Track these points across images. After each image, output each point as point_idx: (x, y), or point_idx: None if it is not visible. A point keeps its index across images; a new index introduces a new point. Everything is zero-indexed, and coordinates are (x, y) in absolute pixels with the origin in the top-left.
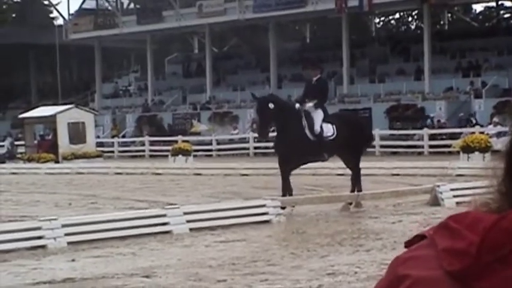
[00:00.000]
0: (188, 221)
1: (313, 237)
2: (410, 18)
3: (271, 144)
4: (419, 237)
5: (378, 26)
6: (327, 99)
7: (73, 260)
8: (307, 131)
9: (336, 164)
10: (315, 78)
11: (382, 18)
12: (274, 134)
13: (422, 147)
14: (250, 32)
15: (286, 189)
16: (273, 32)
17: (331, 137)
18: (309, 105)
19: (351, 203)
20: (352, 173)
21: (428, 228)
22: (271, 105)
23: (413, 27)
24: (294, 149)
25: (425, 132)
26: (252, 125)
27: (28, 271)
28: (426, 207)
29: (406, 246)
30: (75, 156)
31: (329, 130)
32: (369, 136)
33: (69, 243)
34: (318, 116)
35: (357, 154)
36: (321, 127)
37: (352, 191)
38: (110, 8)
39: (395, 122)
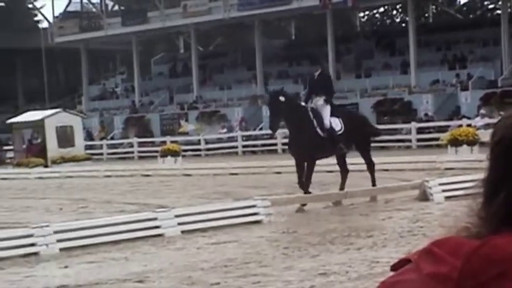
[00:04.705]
0: (179, 224)
1: (304, 236)
2: (394, 12)
3: (259, 142)
4: (405, 261)
5: (362, 20)
6: (334, 93)
7: (66, 267)
8: (318, 129)
9: (324, 161)
10: (316, 74)
11: (367, 13)
12: (287, 133)
13: (410, 141)
14: (235, 31)
15: (306, 187)
16: (258, 29)
17: (340, 132)
18: (319, 102)
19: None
20: (367, 168)
21: (413, 253)
22: (281, 98)
23: (398, 20)
24: (307, 148)
25: (413, 126)
26: (240, 123)
27: (22, 279)
28: (415, 202)
29: (392, 270)
30: (64, 160)
31: (337, 125)
32: (374, 129)
33: (61, 249)
34: (326, 111)
35: (364, 148)
36: (330, 122)
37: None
38: (94, 10)
39: (382, 117)
